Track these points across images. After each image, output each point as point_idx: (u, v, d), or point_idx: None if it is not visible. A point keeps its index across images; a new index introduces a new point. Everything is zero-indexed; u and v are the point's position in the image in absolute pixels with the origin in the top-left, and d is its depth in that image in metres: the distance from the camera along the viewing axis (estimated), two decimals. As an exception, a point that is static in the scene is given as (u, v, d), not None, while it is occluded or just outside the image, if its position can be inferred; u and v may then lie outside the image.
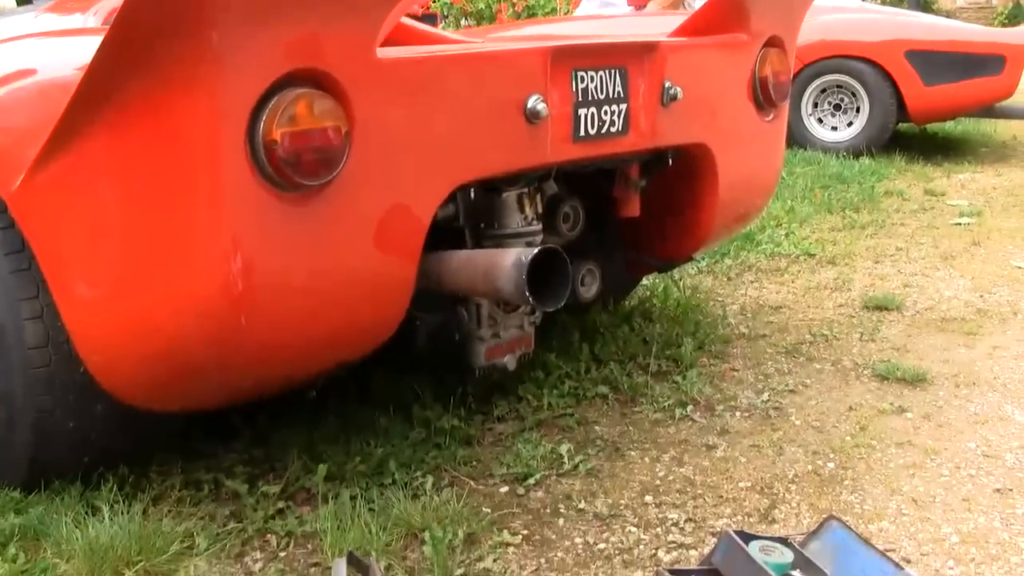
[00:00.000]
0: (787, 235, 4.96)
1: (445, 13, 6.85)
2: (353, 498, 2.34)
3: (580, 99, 2.47)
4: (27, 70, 2.36)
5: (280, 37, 1.86)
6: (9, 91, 2.34)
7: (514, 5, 6.35)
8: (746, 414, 2.90)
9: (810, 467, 2.58)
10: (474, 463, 2.59)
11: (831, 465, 2.59)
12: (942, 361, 3.31)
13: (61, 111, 1.98)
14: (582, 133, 2.49)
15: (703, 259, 4.38)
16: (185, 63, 1.81)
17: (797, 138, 7.11)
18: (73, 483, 2.39)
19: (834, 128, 7.38)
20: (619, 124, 2.58)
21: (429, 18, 6.27)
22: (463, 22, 6.82)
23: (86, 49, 2.24)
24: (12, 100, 2.31)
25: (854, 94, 7.24)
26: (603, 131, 2.54)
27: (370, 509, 2.31)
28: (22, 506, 2.34)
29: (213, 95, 1.81)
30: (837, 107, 7.35)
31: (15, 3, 9.38)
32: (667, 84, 2.67)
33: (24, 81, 2.34)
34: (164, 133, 1.88)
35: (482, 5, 6.57)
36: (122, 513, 2.28)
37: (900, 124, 7.42)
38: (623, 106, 2.58)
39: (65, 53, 2.38)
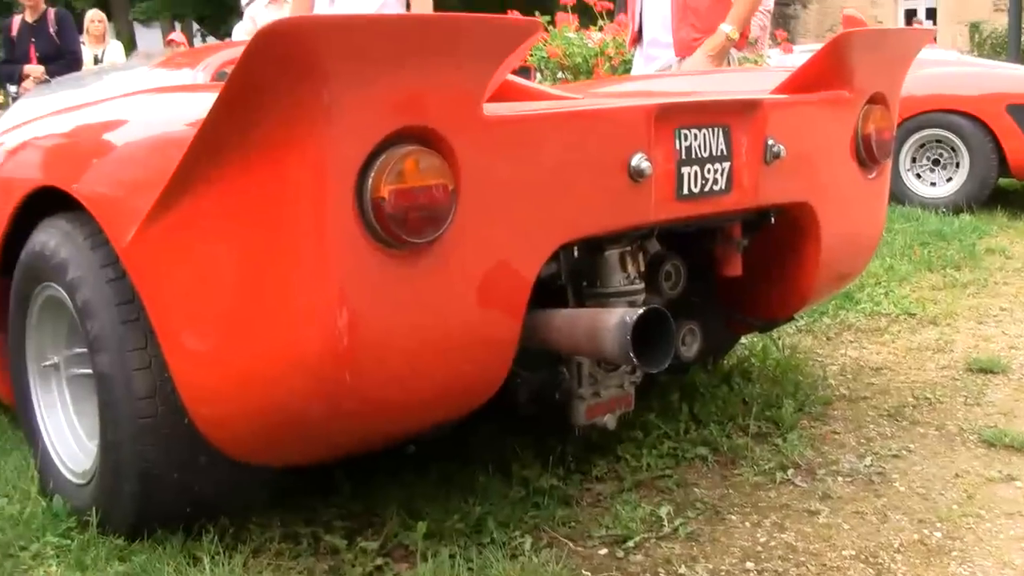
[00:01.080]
0: (886, 294, 4.87)
1: (541, 67, 6.89)
2: (452, 557, 2.33)
3: (684, 157, 2.46)
4: (140, 125, 2.42)
5: (389, 95, 1.88)
6: (124, 146, 2.40)
7: (611, 60, 6.37)
8: (848, 479, 2.83)
9: (916, 536, 2.51)
10: (573, 524, 2.56)
11: (938, 534, 2.52)
12: (1052, 428, 3.21)
13: (173, 166, 2.03)
14: (685, 191, 2.47)
15: (801, 318, 4.31)
16: (296, 120, 1.83)
17: (895, 194, 6.99)
18: (175, 533, 2.41)
19: (933, 184, 7.26)
20: (722, 182, 2.56)
21: (523, 71, 6.32)
22: (559, 76, 6.85)
23: (196, 105, 2.30)
24: (126, 155, 2.37)
25: (953, 149, 7.13)
26: (706, 189, 2.52)
27: (468, 568, 2.30)
28: (126, 554, 2.37)
29: (323, 152, 1.84)
30: (936, 162, 7.25)
31: (124, 58, 9.65)
32: (770, 142, 2.65)
33: (137, 136, 2.40)
34: (274, 189, 1.90)
35: (579, 60, 6.60)
36: (223, 564, 2.30)
37: (1001, 179, 7.28)
38: (726, 164, 2.57)
39: (176, 109, 2.43)
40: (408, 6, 5.06)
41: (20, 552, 2.43)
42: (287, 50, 1.77)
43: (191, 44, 13.37)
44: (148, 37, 31.88)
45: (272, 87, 1.82)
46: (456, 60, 1.94)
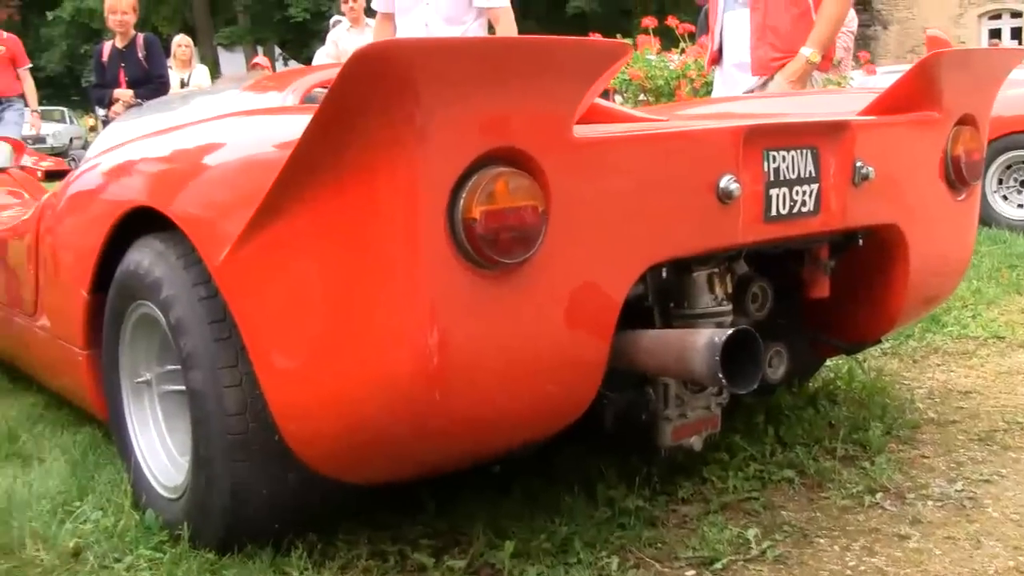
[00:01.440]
0: (974, 317, 4.79)
1: (622, 89, 6.89)
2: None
3: (772, 179, 2.45)
4: (233, 147, 2.46)
5: (480, 117, 1.89)
6: (217, 167, 2.45)
7: (692, 82, 6.35)
8: (939, 504, 2.79)
9: (1011, 563, 2.46)
10: (659, 545, 2.55)
11: (1033, 562, 2.47)
12: None
13: (266, 186, 2.06)
14: (774, 213, 2.46)
15: (887, 341, 4.25)
16: (389, 142, 1.86)
17: (981, 215, 6.82)
18: (264, 548, 2.44)
19: (1021, 206, 7.13)
20: (810, 204, 2.54)
21: (603, 94, 6.33)
22: (640, 98, 6.85)
23: (288, 127, 2.34)
24: (220, 176, 2.42)
25: (1042, 170, 7.02)
26: (794, 211, 2.51)
27: (555, 588, 2.30)
28: (217, 568, 2.40)
29: (415, 173, 1.86)
30: (1023, 184, 7.12)
31: (209, 81, 9.83)
32: (858, 163, 2.63)
33: (230, 157, 2.45)
34: (366, 209, 1.93)
35: (660, 82, 6.59)
36: (311, 580, 2.32)
37: (1091, 201, 7.15)
38: (814, 186, 2.55)
39: (268, 131, 2.46)
40: (491, 31, 5.11)
41: (114, 564, 2.48)
42: (381, 72, 1.79)
43: (274, 68, 13.57)
44: (231, 61, 32.47)
45: (365, 109, 1.84)
46: (546, 82, 1.95)
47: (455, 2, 5.12)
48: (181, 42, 10.18)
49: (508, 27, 5.19)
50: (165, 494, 2.64)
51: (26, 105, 9.48)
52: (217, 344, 2.30)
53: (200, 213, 2.39)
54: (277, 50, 33.09)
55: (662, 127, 2.62)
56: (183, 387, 2.43)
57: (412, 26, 5.20)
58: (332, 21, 10.50)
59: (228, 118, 2.74)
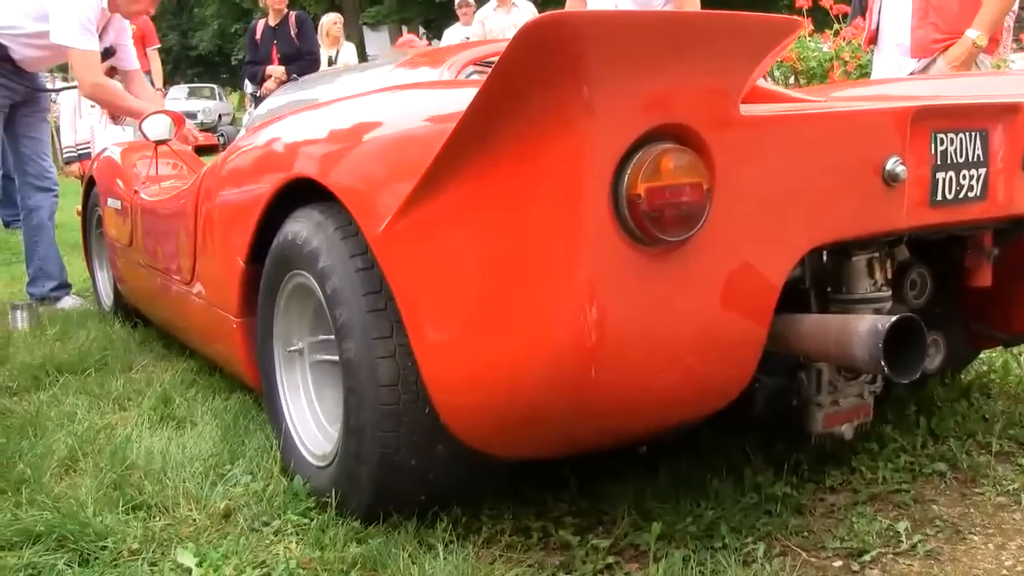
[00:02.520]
0: None
1: (773, 71, 6.76)
2: (684, 559, 2.31)
3: (939, 162, 2.37)
4: (393, 120, 2.48)
5: (647, 92, 1.87)
6: (377, 140, 2.46)
7: (845, 64, 6.20)
8: (1100, 505, 2.69)
9: None
10: (806, 533, 2.51)
11: None
12: None
13: (427, 160, 2.07)
14: (939, 198, 2.39)
15: (1044, 334, 4.11)
16: (556, 116, 1.84)
17: None
18: (410, 519, 2.47)
19: None
20: (977, 189, 2.46)
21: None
22: (791, 80, 6.72)
23: (448, 100, 2.35)
24: (379, 148, 2.43)
25: None
26: (960, 196, 2.43)
27: (700, 572, 2.27)
28: (362, 536, 2.44)
29: (581, 147, 1.84)
30: None
31: (356, 59, 9.96)
32: (1029, 149, 2.53)
33: (391, 131, 2.46)
34: (529, 183, 1.92)
35: (813, 64, 6.45)
36: (455, 553, 2.34)
37: None
38: (982, 170, 2.47)
39: (428, 104, 2.47)
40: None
41: (263, 527, 2.54)
42: (552, 44, 1.78)
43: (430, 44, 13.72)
44: (376, 40, 32.88)
45: (533, 80, 1.83)
46: (714, 58, 1.91)
47: None
48: (336, 20, 10.33)
49: (693, 4, 5.17)
50: (314, 462, 2.69)
51: (152, 84, 9.72)
52: (372, 315, 2.32)
53: (359, 185, 2.42)
54: (421, 29, 33.39)
55: (827, 107, 2.56)
56: (335, 357, 2.46)
57: (601, 5, 5.23)
58: (458, 1, 10.56)
59: (385, 93, 2.76)
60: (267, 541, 2.47)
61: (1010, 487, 2.76)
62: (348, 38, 13.82)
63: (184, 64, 46.31)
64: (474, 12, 10.20)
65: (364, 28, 34.25)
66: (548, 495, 2.66)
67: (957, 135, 2.42)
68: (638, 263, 1.91)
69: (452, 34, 10.47)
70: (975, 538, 2.51)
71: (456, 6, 10.54)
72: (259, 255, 2.87)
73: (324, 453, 2.65)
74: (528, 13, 9.39)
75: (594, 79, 1.79)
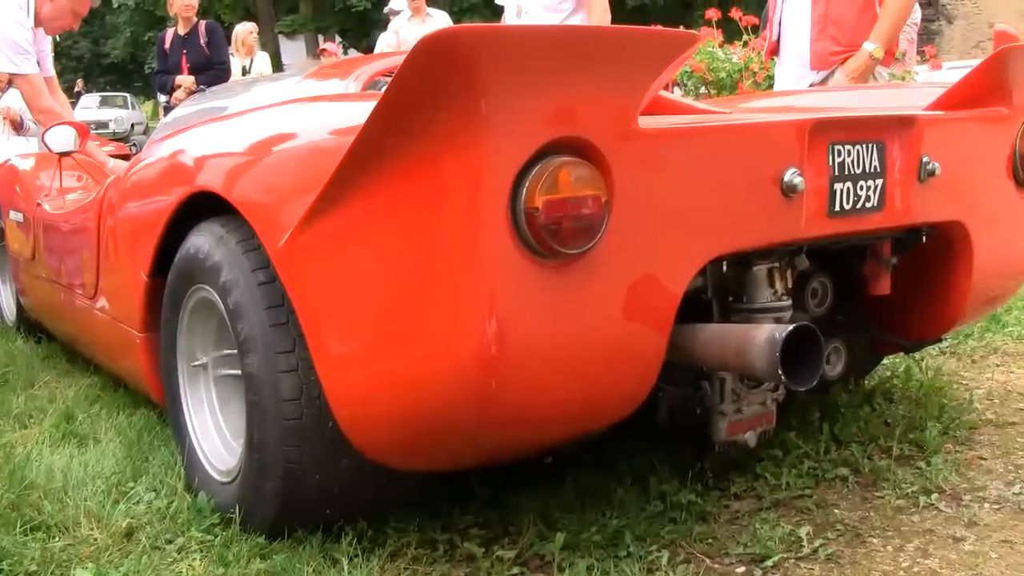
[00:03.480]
0: (1036, 317, 4.72)
1: (684, 81, 6.84)
2: (589, 569, 2.32)
3: (837, 173, 2.42)
4: (295, 133, 2.46)
5: (545, 105, 1.88)
6: (279, 153, 2.45)
7: (755, 75, 6.29)
8: (996, 506, 2.74)
9: (1069, 568, 2.42)
10: (710, 540, 2.53)
11: (1094, 569, 2.42)
12: None
13: (328, 173, 2.06)
14: (837, 208, 2.43)
15: (945, 340, 4.19)
16: (454, 130, 1.85)
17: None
18: (314, 533, 2.45)
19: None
20: (875, 200, 2.51)
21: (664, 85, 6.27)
22: (701, 91, 6.80)
23: (350, 114, 2.34)
24: (281, 161, 2.42)
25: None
26: (858, 207, 2.48)
27: (605, 581, 2.29)
28: (267, 552, 2.42)
29: (479, 162, 1.84)
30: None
31: (271, 69, 9.88)
32: (925, 159, 2.59)
33: (292, 144, 2.45)
34: (429, 196, 1.92)
35: (723, 75, 6.54)
36: (360, 567, 2.34)
37: None
38: (879, 181, 2.51)
39: (331, 118, 2.46)
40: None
41: (166, 545, 2.50)
42: (447, 59, 1.78)
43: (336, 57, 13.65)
44: (292, 49, 32.70)
45: (430, 95, 1.83)
46: (613, 72, 1.93)
47: None
48: (251, 29, 10.22)
49: (600, 18, 5.19)
50: (218, 477, 2.66)
51: None
52: (274, 329, 2.31)
53: (261, 198, 2.40)
54: (338, 38, 33.25)
55: (727, 119, 2.59)
56: (239, 371, 2.44)
57: (509, 13, 5.25)
58: (387, 10, 10.53)
59: (290, 104, 2.74)
60: (170, 559, 2.43)
61: (909, 490, 2.80)
62: (264, 47, 13.69)
63: (96, 72, 45.64)
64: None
65: (280, 37, 34.03)
66: (455, 507, 2.66)
67: (854, 147, 2.46)
68: (537, 276, 1.92)
69: (384, 42, 10.40)
70: (874, 541, 2.55)
71: (388, 13, 10.45)
72: (162, 269, 2.83)
73: (228, 469, 2.63)
74: (443, 23, 9.38)
75: (491, 93, 1.80)
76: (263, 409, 2.33)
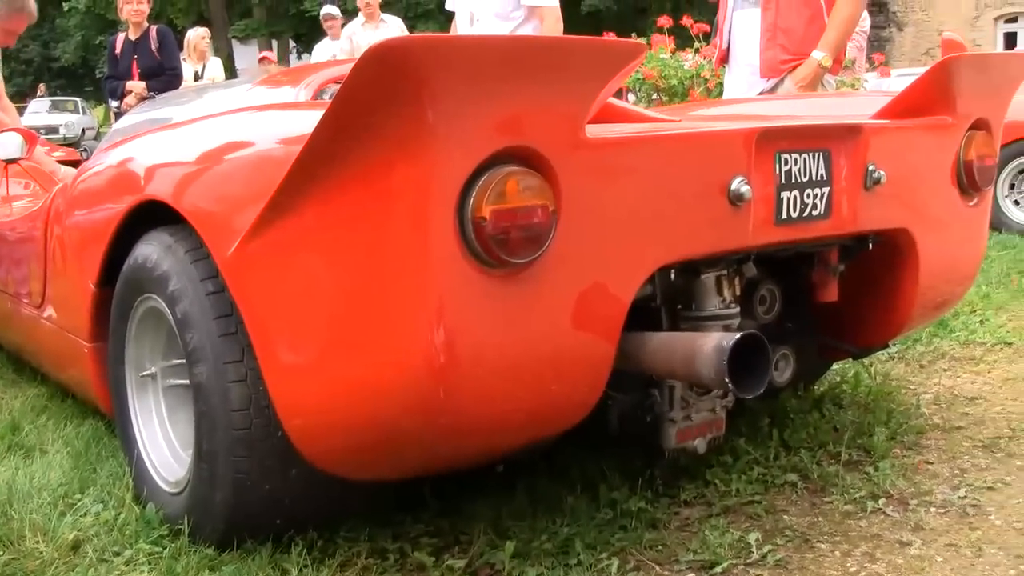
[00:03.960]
0: (982, 322, 4.78)
1: (636, 88, 6.87)
2: (539, 577, 2.33)
3: (784, 182, 2.44)
4: (244, 142, 2.45)
5: (493, 115, 1.88)
6: (227, 162, 2.44)
7: (706, 82, 6.34)
8: (942, 510, 2.77)
9: (1013, 572, 2.44)
10: (660, 547, 2.54)
11: (1037, 571, 2.45)
12: None
13: (276, 182, 2.05)
14: (784, 216, 2.45)
15: (894, 345, 4.22)
16: (401, 139, 1.85)
17: (992, 220, 6.78)
18: (264, 544, 2.44)
19: (1031, 211, 7.14)
20: (821, 208, 2.53)
21: (616, 92, 6.30)
22: (653, 97, 6.83)
23: (300, 123, 2.33)
24: (230, 171, 2.41)
25: (1053, 176, 7.01)
26: (805, 215, 2.50)
27: (556, 589, 2.29)
28: (216, 563, 2.40)
29: (426, 172, 1.85)
30: (1034, 189, 7.12)
31: (223, 74, 9.82)
32: (871, 167, 2.62)
33: (241, 153, 2.44)
34: (377, 206, 1.92)
35: (674, 82, 6.57)
36: (310, 578, 2.32)
37: (1102, 209, 7.14)
38: (826, 189, 2.54)
39: (280, 127, 2.45)
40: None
41: (113, 558, 2.47)
42: (395, 69, 1.78)
43: (289, 62, 13.58)
44: (246, 54, 32.50)
45: (378, 105, 1.83)
46: (559, 82, 1.94)
47: None
48: (203, 35, 10.15)
49: (551, 28, 5.21)
50: (166, 488, 2.64)
51: None
52: (223, 339, 2.30)
53: (209, 208, 2.39)
54: (291, 43, 33.12)
55: (674, 128, 2.61)
56: (187, 381, 2.42)
57: (462, 20, 5.25)
58: (323, 14, 10.45)
59: (239, 113, 2.74)
60: (117, 572, 2.41)
61: (857, 495, 2.83)
62: (217, 52, 13.60)
63: (46, 76, 45.15)
64: (341, 26, 10.14)
65: (233, 42, 33.84)
66: (406, 516, 2.65)
67: (801, 155, 2.48)
68: (485, 285, 1.93)
69: (322, 49, 10.37)
70: (823, 546, 2.57)
71: (322, 19, 10.41)
72: (111, 278, 2.81)
73: (177, 479, 2.61)
74: (397, 29, 9.36)
75: (439, 103, 1.80)
76: (212, 419, 2.32)
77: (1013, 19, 28.40)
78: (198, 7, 33.90)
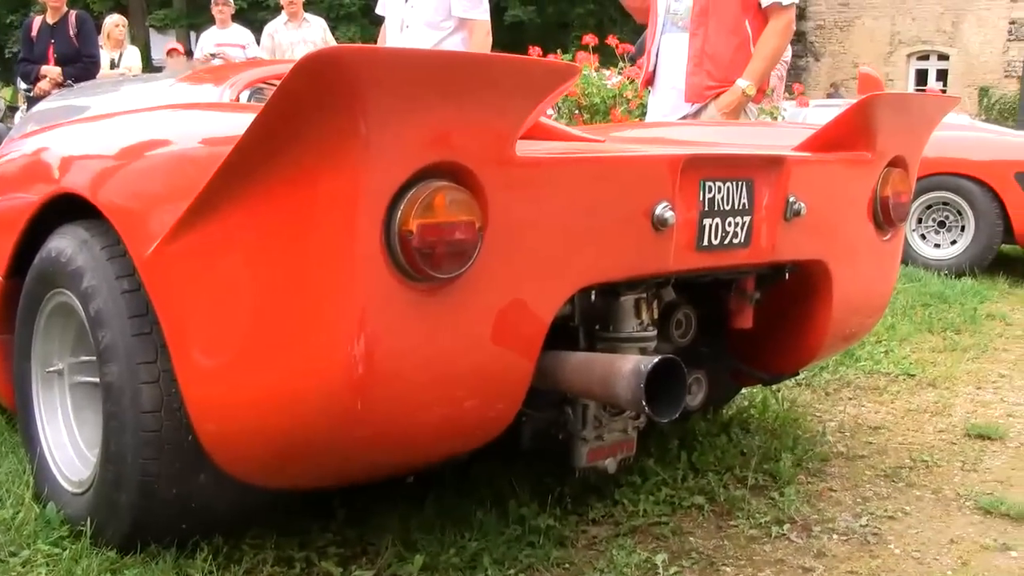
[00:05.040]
0: (887, 353, 4.88)
1: (559, 104, 6.90)
2: (446, 591, 2.32)
3: (706, 209, 2.47)
4: (169, 140, 2.42)
5: (424, 129, 1.88)
6: (151, 159, 2.40)
7: (628, 102, 6.39)
8: (844, 538, 2.82)
9: (910, 601, 2.50)
10: (567, 565, 2.55)
11: (933, 601, 2.51)
12: (1049, 500, 3.20)
13: (201, 183, 2.02)
14: (705, 243, 2.48)
15: (801, 372, 4.30)
16: (331, 149, 1.84)
17: (899, 254, 7.04)
18: (169, 549, 2.40)
19: (937, 245, 7.30)
20: (742, 236, 2.57)
21: (540, 109, 6.31)
22: (575, 113, 6.87)
23: (227, 124, 2.31)
24: (153, 168, 2.37)
25: (960, 212, 7.18)
26: (725, 242, 2.53)
27: (462, 604, 2.29)
28: (118, 567, 2.36)
29: (355, 182, 1.84)
30: (942, 224, 7.28)
31: (140, 63, 9.65)
32: (791, 199, 2.66)
33: (166, 151, 2.40)
34: (303, 213, 1.90)
35: (597, 100, 6.62)
36: (214, 584, 2.29)
37: (1004, 245, 7.32)
38: (747, 218, 2.57)
39: (206, 126, 2.43)
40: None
41: (10, 558, 2.42)
42: (327, 79, 1.77)
43: (189, 55, 13.35)
44: (164, 44, 32.00)
45: (311, 113, 1.82)
46: (492, 99, 1.94)
47: (436, 7, 5.14)
48: (118, 22, 9.95)
49: (480, 42, 5.22)
50: (69, 488, 2.59)
51: None
52: (137, 339, 2.26)
53: (129, 205, 2.35)
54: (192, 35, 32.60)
55: (603, 150, 2.63)
56: (96, 379, 2.38)
57: (392, 27, 5.23)
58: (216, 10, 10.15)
59: (165, 110, 2.69)
60: (14, 573, 2.36)
61: (762, 520, 2.87)
62: (134, 41, 13.36)
63: (-49, 55, 43.97)
64: (231, 13, 9.92)
65: (151, 31, 33.31)
66: (314, 525, 2.63)
67: (725, 184, 2.51)
68: (408, 298, 1.92)
69: (208, 38, 9.93)
70: (728, 569, 2.60)
71: (212, 5, 9.95)
72: (21, 270, 2.74)
73: (81, 480, 2.55)
74: (319, 28, 9.30)
75: (370, 115, 1.79)
76: (121, 420, 2.28)
77: (925, 56, 29.12)
78: (117, -7, 33.32)
